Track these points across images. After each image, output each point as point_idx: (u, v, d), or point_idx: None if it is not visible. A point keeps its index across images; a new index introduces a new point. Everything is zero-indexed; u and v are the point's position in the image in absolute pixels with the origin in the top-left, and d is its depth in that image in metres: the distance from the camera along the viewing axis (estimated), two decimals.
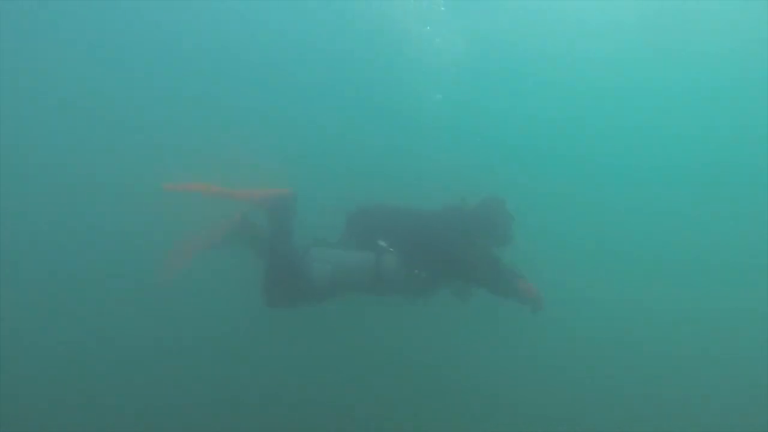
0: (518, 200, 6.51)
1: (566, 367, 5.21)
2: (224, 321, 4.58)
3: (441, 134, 7.07)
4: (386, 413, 4.45)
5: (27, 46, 5.73)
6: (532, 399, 4.80)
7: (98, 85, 5.92)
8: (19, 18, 5.65)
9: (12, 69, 5.50)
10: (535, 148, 7.45)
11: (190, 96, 6.31)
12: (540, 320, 3.08)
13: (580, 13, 7.18)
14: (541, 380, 5.01)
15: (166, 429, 4.08)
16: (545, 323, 5.11)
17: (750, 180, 6.86)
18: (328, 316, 3.70)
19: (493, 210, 3.17)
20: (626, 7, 6.96)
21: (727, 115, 7.21)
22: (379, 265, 2.98)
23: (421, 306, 3.17)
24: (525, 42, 7.42)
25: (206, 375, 4.42)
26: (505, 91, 7.62)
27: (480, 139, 7.31)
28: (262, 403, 4.35)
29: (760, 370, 5.24)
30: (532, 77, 7.61)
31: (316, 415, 4.29)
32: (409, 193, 3.97)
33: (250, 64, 6.72)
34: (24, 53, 5.69)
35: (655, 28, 6.99)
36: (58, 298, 4.65)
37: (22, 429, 3.88)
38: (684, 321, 5.83)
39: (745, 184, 6.88)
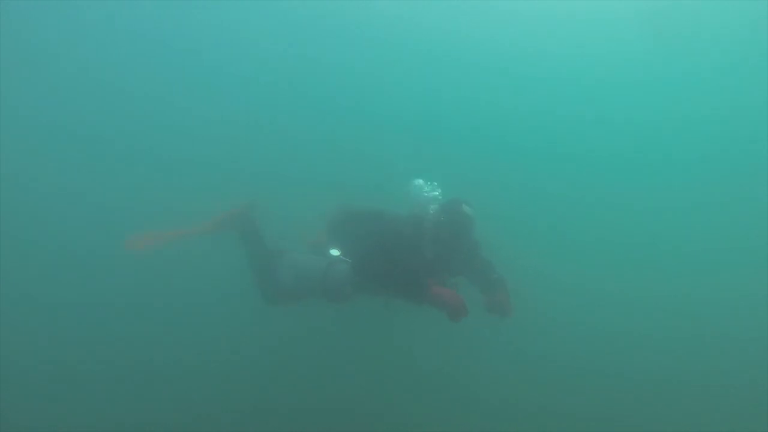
0: (517, 198, 6.60)
1: (568, 364, 5.20)
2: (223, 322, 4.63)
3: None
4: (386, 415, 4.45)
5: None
6: (533, 398, 4.80)
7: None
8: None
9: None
10: (534, 145, 7.46)
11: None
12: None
13: (577, 10, 7.19)
14: (543, 378, 5.01)
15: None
16: (551, 321, 5.23)
17: (749, 176, 6.85)
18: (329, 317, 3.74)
19: (451, 214, 3.07)
20: (624, 5, 6.98)
21: (724, 111, 7.20)
22: (326, 274, 3.05)
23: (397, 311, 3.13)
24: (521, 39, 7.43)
25: (205, 377, 4.44)
26: (502, 89, 7.62)
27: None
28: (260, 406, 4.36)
29: (760, 366, 5.23)
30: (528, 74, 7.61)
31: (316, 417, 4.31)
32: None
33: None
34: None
35: (652, 25, 7.00)
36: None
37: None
38: (683, 317, 5.82)
39: (743, 180, 6.88)
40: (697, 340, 5.53)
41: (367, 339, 4.44)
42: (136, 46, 6.45)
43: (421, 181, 3.42)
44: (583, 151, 7.37)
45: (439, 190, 3.38)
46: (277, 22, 6.96)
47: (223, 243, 3.51)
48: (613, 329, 5.58)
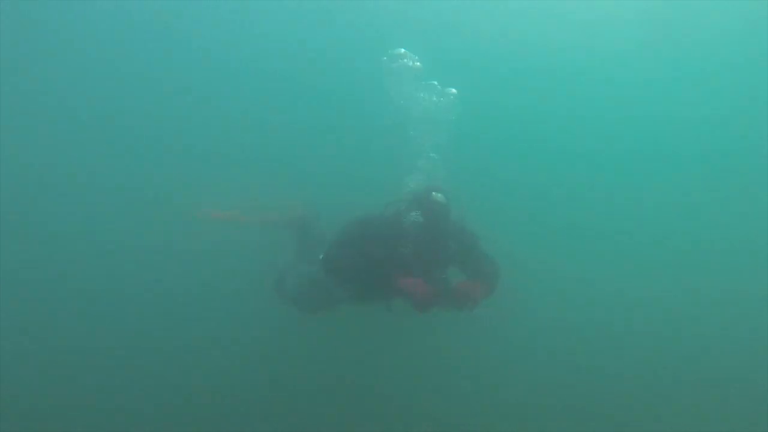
0: (520, 198, 6.59)
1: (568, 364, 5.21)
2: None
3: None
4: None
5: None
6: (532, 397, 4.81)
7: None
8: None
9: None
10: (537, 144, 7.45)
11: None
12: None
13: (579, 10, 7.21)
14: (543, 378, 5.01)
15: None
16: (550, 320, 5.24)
17: (750, 176, 6.87)
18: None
19: (422, 203, 3.02)
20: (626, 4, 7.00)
21: (725, 110, 7.22)
22: (312, 279, 3.16)
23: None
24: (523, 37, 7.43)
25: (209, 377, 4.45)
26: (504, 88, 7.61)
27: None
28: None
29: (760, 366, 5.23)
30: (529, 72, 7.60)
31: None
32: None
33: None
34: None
35: (654, 25, 7.02)
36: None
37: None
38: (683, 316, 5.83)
39: (744, 181, 6.89)
40: (698, 339, 5.55)
41: (370, 342, 4.46)
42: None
43: (402, 50, 3.35)
44: (584, 150, 7.38)
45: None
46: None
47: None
48: (614, 328, 5.60)
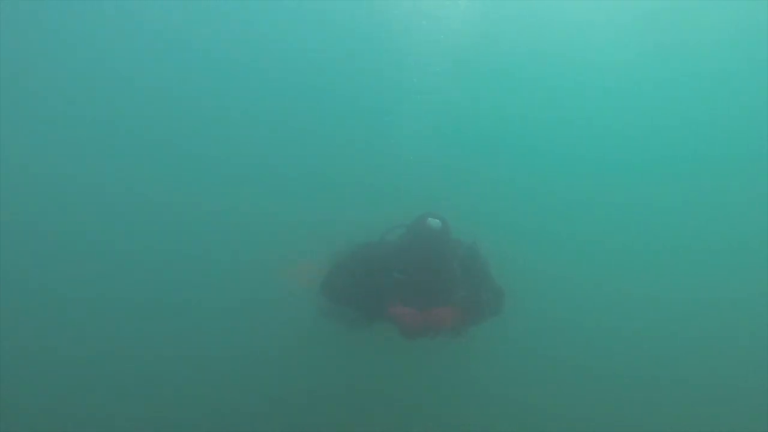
0: (516, 203, 6.61)
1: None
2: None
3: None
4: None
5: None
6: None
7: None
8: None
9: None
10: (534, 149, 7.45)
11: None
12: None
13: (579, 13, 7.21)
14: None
15: None
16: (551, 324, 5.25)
17: (749, 178, 6.88)
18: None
19: (416, 230, 2.94)
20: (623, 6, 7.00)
21: (725, 112, 7.24)
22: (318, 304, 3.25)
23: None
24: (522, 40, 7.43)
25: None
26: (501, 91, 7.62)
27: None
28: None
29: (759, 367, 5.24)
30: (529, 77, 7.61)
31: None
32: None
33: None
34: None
35: (652, 27, 7.03)
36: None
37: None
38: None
39: (744, 182, 6.90)
40: (698, 341, 5.56)
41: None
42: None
43: None
44: (586, 154, 7.40)
45: None
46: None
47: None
48: (614, 329, 5.61)
